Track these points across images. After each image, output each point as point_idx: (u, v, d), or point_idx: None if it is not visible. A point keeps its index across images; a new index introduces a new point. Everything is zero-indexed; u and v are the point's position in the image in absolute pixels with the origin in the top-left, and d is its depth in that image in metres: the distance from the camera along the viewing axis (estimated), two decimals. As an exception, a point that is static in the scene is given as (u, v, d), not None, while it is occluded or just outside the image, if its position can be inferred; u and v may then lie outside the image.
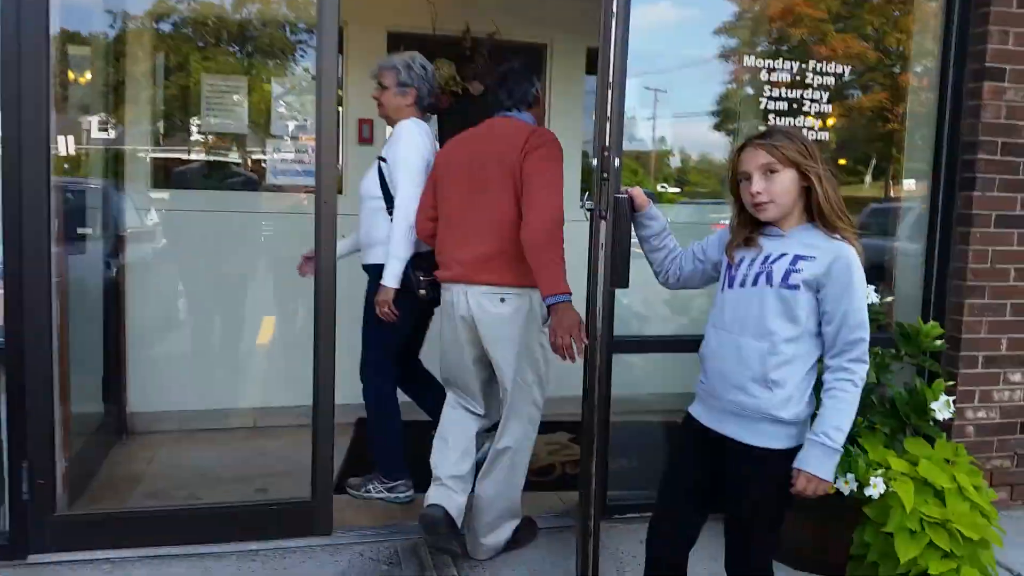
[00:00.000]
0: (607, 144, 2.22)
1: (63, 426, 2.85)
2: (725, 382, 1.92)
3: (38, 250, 2.48)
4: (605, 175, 2.18)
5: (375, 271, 2.97)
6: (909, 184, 3.56)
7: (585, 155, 4.55)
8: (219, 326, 4.04)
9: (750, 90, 3.27)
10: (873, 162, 3.74)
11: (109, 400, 3.78)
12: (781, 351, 1.85)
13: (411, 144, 2.96)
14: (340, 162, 4.11)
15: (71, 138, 3.67)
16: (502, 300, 2.55)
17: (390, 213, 2.92)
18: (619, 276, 2.17)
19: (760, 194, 1.88)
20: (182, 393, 3.91)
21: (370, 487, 3.14)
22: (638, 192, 2.15)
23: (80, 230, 3.72)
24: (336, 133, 2.69)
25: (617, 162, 2.23)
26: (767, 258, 1.91)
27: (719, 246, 2.07)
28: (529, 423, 2.69)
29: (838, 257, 1.84)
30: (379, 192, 2.98)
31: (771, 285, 1.88)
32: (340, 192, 4.07)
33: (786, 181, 1.88)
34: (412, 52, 3.14)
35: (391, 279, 2.88)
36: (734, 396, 1.90)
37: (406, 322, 2.99)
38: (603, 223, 2.18)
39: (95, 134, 3.85)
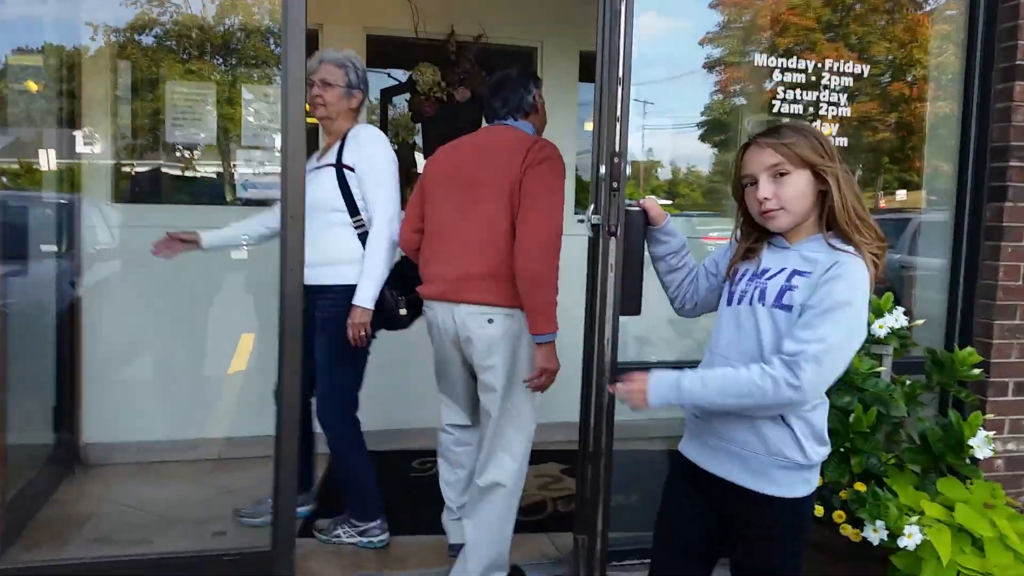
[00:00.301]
0: (617, 149, 1.94)
1: (-7, 464, 2.56)
2: (725, 416, 1.63)
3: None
4: (615, 185, 1.91)
5: (334, 292, 2.68)
6: (929, 194, 3.30)
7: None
8: (183, 350, 3.74)
9: (741, 100, 3.05)
10: (882, 172, 3.52)
11: (61, 430, 3.48)
12: None
13: (388, 155, 2.72)
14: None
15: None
16: (490, 321, 2.35)
17: (356, 227, 2.65)
18: (632, 302, 1.90)
19: (769, 200, 1.61)
20: (142, 422, 3.60)
21: (340, 531, 2.84)
22: (652, 204, 1.87)
23: (44, 247, 3.46)
24: (304, 140, 2.41)
25: (628, 170, 1.95)
26: (764, 272, 1.65)
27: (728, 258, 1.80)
28: (522, 457, 2.44)
29: (832, 265, 1.53)
30: (341, 203, 2.68)
31: (763, 304, 1.60)
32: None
33: (799, 184, 1.60)
34: (350, 51, 2.87)
35: (368, 300, 2.62)
36: (735, 433, 1.62)
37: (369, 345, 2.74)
38: (612, 240, 1.90)
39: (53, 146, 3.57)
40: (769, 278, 1.62)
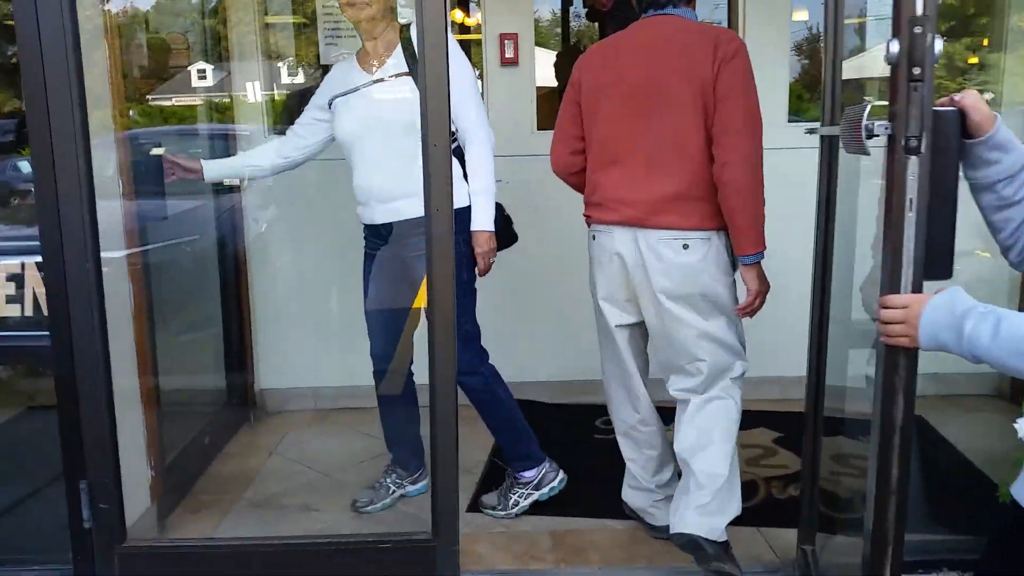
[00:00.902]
0: (920, 11, 1.28)
1: (149, 431, 2.42)
2: None
3: (74, 220, 1.95)
4: (917, 72, 1.27)
5: (418, 224, 2.14)
6: None
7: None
8: (355, 292, 3.49)
9: None
10: None
11: (235, 375, 3.38)
12: None
13: (462, 54, 2.35)
14: (482, 88, 3.37)
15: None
16: (685, 247, 2.08)
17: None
18: (943, 259, 1.32)
19: None
20: (317, 367, 3.42)
21: (514, 497, 2.50)
22: (975, 101, 1.27)
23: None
24: (445, 42, 1.91)
25: (938, 46, 1.29)
26: None
27: None
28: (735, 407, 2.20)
29: None
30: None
31: None
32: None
33: None
34: None
35: (491, 221, 2.36)
36: None
37: None
38: (911, 160, 1.27)
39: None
40: None
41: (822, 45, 2.10)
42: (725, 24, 3.41)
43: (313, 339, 3.40)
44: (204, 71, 3.64)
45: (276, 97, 3.47)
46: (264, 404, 3.49)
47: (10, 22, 1.88)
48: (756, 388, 2.70)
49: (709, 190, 2.04)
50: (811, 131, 2.07)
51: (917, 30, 1.27)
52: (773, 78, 3.15)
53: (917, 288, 1.34)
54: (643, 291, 2.13)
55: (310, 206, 3.29)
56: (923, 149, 1.26)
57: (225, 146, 3.40)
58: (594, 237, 2.24)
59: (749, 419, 2.82)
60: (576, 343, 3.02)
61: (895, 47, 1.29)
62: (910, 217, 1.28)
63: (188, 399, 3.12)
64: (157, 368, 2.55)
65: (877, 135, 1.33)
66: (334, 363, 3.34)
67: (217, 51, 3.45)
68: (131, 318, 2.35)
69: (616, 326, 2.25)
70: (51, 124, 1.90)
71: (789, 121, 3.32)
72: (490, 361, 2.49)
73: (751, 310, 2.14)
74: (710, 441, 2.13)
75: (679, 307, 2.10)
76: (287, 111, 3.30)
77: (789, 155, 2.76)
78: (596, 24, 3.80)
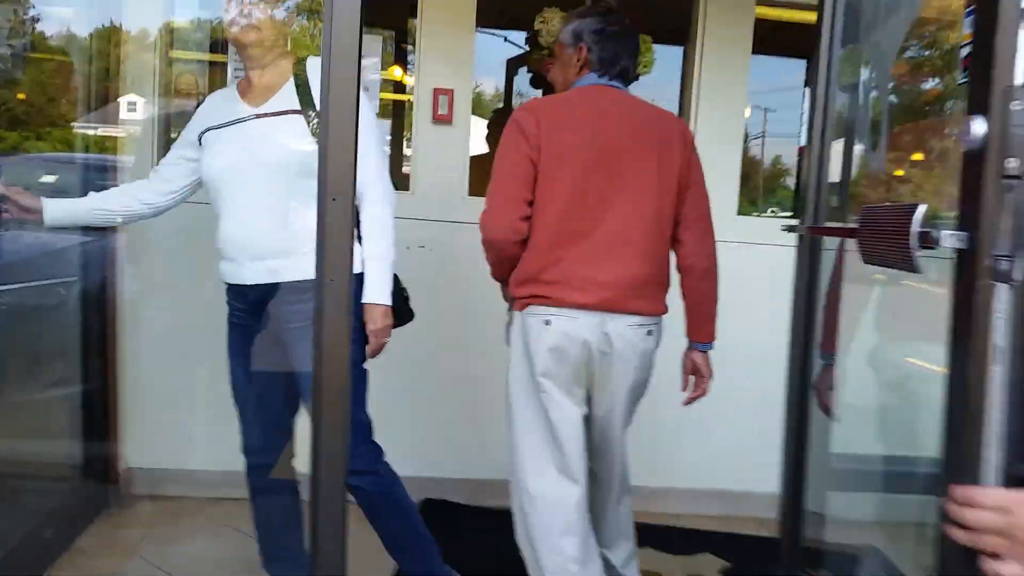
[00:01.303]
0: (1019, 80, 0.95)
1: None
2: None
3: None
4: (1014, 166, 0.92)
5: (298, 290, 1.91)
6: None
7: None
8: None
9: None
10: None
11: (95, 446, 2.88)
12: None
13: (369, 105, 2.21)
14: (412, 146, 3.08)
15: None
16: (648, 333, 2.01)
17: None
18: None
19: None
20: (192, 448, 2.96)
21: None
22: None
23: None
24: (356, 97, 1.58)
25: None
26: None
27: None
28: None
29: None
30: (315, 165, 1.70)
31: None
32: (405, 188, 3.04)
33: None
34: None
35: (388, 294, 2.00)
36: None
37: None
38: (1000, 290, 0.92)
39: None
40: None
41: (804, 134, 1.92)
42: (676, 110, 3.27)
43: (191, 412, 2.94)
44: (134, 103, 3.26)
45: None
46: (129, 486, 2.98)
47: None
48: (695, 502, 2.39)
49: (668, 274, 2.03)
50: (790, 228, 1.82)
51: (1016, 106, 0.93)
52: (726, 170, 3.01)
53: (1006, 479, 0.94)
54: (604, 383, 1.97)
55: (199, 253, 2.86)
56: (1019, 275, 0.92)
57: (103, 178, 2.97)
58: (547, 322, 1.93)
59: (692, 541, 2.46)
60: (493, 435, 2.66)
61: (979, 128, 0.95)
62: (995, 373, 0.92)
63: (26, 471, 2.61)
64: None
65: (931, 248, 0.98)
66: (217, 442, 2.88)
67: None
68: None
69: (560, 417, 1.96)
70: None
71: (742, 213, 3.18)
72: (385, 457, 2.11)
73: (696, 397, 2.12)
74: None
75: (629, 399, 2.01)
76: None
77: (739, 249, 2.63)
78: (541, 92, 3.58)
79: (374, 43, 3.28)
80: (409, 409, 2.96)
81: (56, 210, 2.06)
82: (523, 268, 1.97)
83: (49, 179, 4.08)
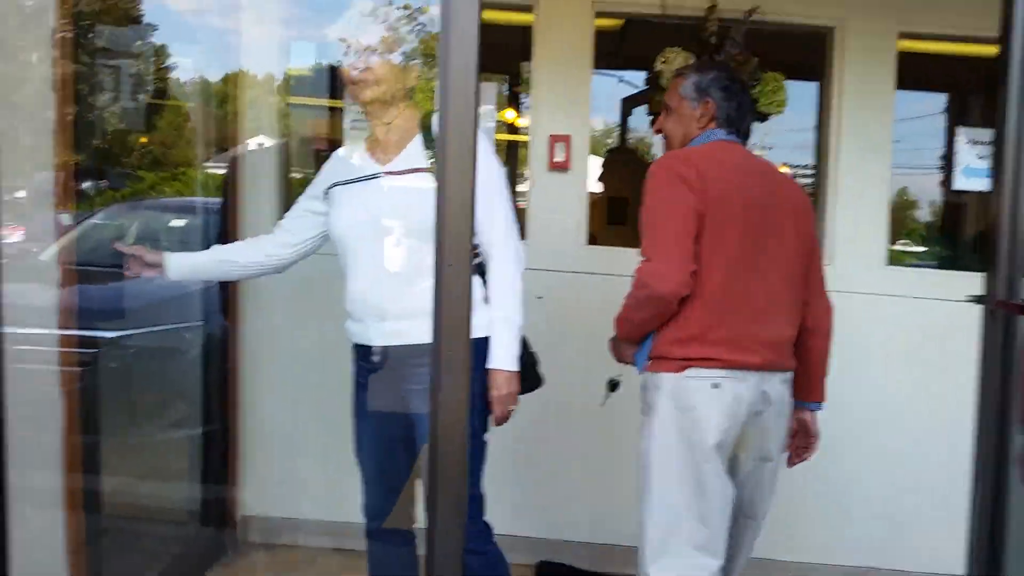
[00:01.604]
0: None
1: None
2: None
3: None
4: None
5: (424, 353, 1.69)
6: None
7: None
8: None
9: None
10: None
11: (214, 491, 2.92)
12: None
13: (494, 158, 2.06)
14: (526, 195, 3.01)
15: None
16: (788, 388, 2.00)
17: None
18: None
19: None
20: (314, 497, 2.93)
21: None
22: None
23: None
24: (472, 133, 1.50)
25: None
26: None
27: None
28: None
29: None
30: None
31: None
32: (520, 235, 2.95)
33: None
34: None
35: (515, 359, 1.92)
36: None
37: None
38: None
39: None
40: None
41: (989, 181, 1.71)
42: (812, 162, 3.11)
43: (308, 460, 2.93)
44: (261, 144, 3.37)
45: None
46: (247, 534, 3.00)
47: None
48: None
49: None
50: (978, 300, 1.60)
51: None
52: (871, 216, 2.90)
53: None
54: (760, 442, 1.90)
55: (323, 301, 2.86)
56: None
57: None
58: (716, 385, 1.81)
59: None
60: (621, 499, 2.51)
61: None
62: None
63: (147, 515, 2.66)
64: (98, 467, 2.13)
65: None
66: (332, 492, 2.85)
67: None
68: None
69: (717, 488, 1.84)
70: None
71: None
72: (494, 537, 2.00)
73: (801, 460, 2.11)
74: None
75: (779, 457, 1.98)
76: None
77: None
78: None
79: (488, 90, 3.23)
80: (525, 466, 2.85)
81: (179, 266, 2.08)
82: (682, 327, 1.83)
83: (179, 223, 4.26)
